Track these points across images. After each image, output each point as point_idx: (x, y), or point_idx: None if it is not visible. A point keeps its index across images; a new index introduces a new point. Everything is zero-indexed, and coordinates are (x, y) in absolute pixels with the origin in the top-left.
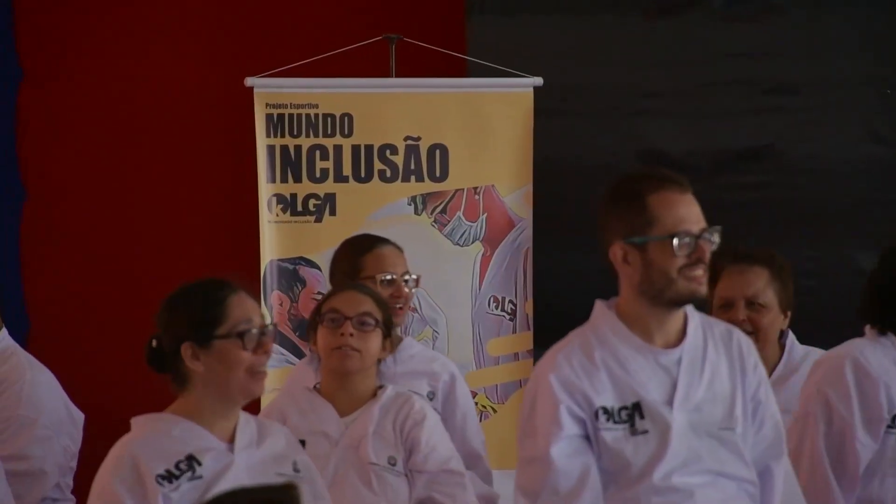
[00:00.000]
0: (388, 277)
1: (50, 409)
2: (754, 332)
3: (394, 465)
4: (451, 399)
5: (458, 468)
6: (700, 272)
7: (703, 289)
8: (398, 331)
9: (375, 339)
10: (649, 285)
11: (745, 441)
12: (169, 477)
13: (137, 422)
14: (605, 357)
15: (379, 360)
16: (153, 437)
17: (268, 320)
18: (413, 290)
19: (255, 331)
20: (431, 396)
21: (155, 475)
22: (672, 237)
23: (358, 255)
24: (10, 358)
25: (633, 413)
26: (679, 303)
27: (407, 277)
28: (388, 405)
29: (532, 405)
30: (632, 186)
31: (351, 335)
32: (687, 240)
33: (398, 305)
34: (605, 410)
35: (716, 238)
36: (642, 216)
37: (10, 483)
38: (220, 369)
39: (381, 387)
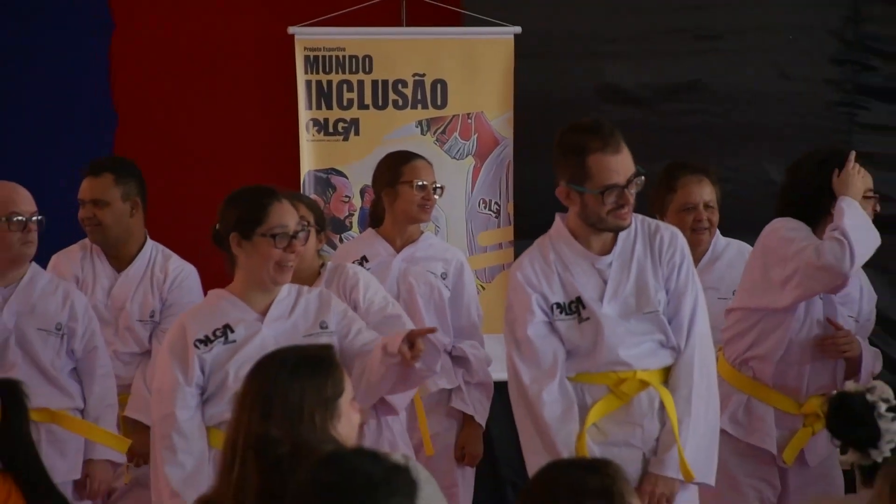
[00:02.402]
0: (422, 183)
1: None
2: (709, 228)
3: None
4: (459, 282)
5: (395, 311)
6: (625, 210)
7: (627, 221)
8: (420, 227)
9: (310, 239)
10: (585, 218)
11: (666, 314)
12: (205, 341)
13: (210, 294)
14: (556, 260)
15: (318, 250)
16: (205, 308)
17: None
18: (438, 197)
19: (287, 233)
20: (444, 276)
21: (194, 340)
22: (602, 192)
23: (400, 164)
24: (167, 253)
25: (577, 305)
26: (608, 231)
27: (435, 186)
28: (331, 279)
29: (509, 300)
30: (576, 141)
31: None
32: (615, 191)
33: (427, 206)
34: (559, 305)
35: (640, 182)
36: (581, 170)
37: None
38: (256, 259)
39: (322, 265)
